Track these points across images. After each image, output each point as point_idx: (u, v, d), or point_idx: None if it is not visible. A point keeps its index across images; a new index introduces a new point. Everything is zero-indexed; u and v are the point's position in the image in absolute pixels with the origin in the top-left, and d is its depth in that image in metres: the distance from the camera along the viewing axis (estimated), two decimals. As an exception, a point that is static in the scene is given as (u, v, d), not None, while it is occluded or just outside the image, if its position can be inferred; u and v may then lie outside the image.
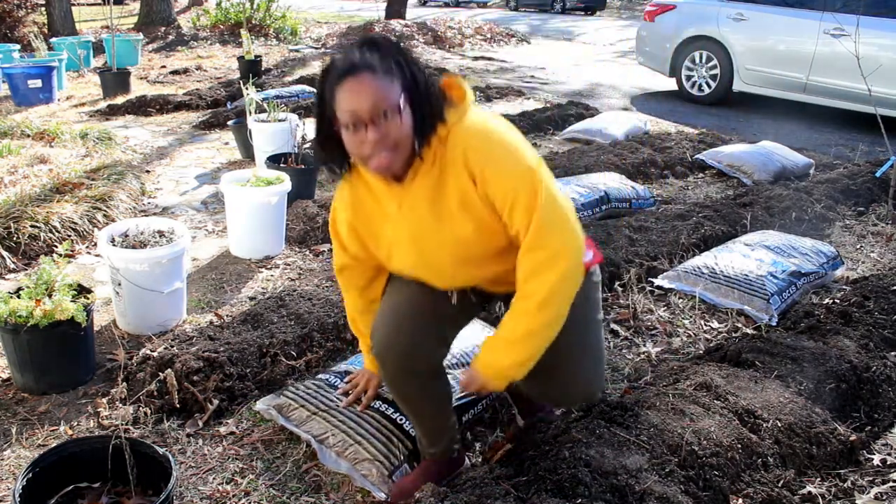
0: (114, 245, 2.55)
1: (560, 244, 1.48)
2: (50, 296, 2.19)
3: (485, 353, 1.60)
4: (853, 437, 2.03)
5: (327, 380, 2.14)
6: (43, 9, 10.77)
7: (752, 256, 3.12)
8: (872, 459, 2.00)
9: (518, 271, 1.52)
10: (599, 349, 1.76)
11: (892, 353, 2.47)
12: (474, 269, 1.61)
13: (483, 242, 1.54)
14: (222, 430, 2.08)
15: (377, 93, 1.37)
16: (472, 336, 2.28)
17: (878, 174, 4.52)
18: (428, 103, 1.45)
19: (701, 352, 2.58)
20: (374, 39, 1.45)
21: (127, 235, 2.64)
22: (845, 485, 1.89)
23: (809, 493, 1.84)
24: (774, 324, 2.76)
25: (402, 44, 1.49)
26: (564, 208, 1.51)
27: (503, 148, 1.47)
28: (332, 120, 1.44)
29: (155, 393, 2.14)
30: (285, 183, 3.29)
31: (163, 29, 11.71)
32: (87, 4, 16.63)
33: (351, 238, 1.70)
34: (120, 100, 6.54)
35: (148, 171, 4.61)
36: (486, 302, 1.85)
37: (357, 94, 1.37)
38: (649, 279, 3.12)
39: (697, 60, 7.56)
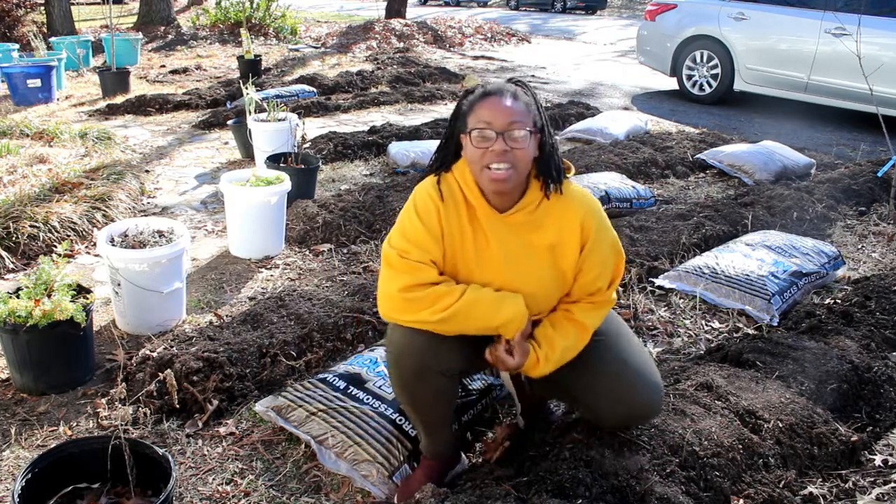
0: (113, 245, 2.54)
1: (613, 297, 1.80)
2: (49, 296, 2.18)
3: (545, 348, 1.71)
4: (854, 438, 2.02)
5: (326, 380, 2.13)
6: (42, 8, 10.76)
7: (753, 256, 3.11)
8: (874, 460, 1.99)
9: (577, 304, 1.75)
10: (655, 372, 1.83)
11: (894, 354, 2.46)
12: None
13: (542, 287, 1.71)
14: (222, 430, 2.08)
15: (514, 113, 1.58)
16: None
17: (879, 174, 4.52)
18: (554, 153, 1.66)
19: (702, 352, 2.58)
20: (522, 83, 1.67)
21: (126, 235, 2.63)
22: (847, 485, 1.89)
23: (811, 493, 1.83)
24: (776, 324, 2.75)
25: (538, 96, 1.69)
26: None
27: (606, 223, 1.75)
28: (459, 132, 1.65)
29: (154, 393, 2.13)
30: (285, 183, 3.29)
31: (162, 28, 11.70)
32: (87, 4, 16.62)
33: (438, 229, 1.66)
34: (119, 99, 6.53)
35: (147, 171, 4.60)
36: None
37: (496, 110, 1.58)
38: (650, 279, 3.12)
39: (698, 60, 7.55)
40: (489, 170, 1.58)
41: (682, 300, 2.98)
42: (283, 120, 4.36)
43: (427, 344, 1.64)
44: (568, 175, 1.72)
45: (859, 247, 3.71)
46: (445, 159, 1.72)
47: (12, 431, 2.03)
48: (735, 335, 2.71)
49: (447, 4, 25.76)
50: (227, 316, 2.72)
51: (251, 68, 7.77)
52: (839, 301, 2.92)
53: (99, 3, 16.65)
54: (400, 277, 1.63)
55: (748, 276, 2.95)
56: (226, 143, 5.32)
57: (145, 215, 3.77)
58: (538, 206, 1.68)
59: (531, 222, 1.68)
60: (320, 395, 2.06)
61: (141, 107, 6.28)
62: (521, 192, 1.68)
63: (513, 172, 1.58)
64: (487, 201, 1.67)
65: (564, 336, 1.71)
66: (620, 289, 3.00)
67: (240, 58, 8.22)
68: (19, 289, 2.24)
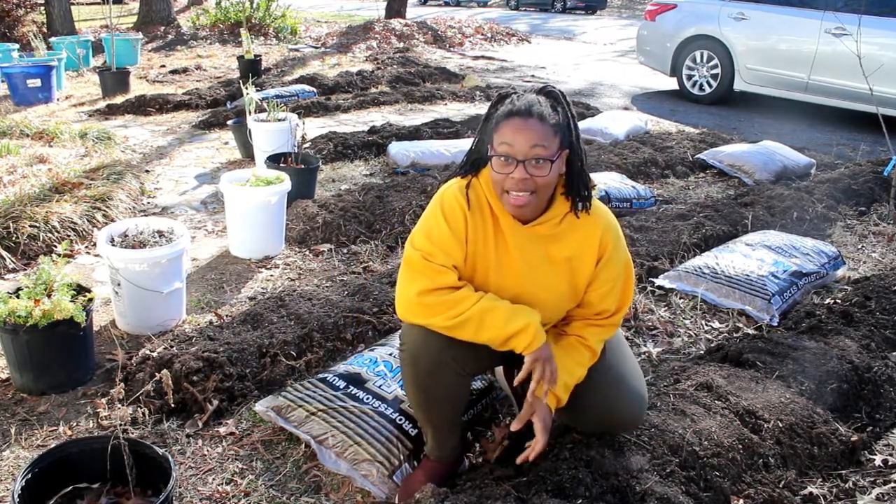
0: (113, 245, 2.54)
1: (620, 321, 1.83)
2: (49, 296, 2.18)
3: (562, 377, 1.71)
4: (854, 438, 2.02)
5: (326, 379, 2.13)
6: (42, 8, 10.76)
7: (753, 256, 3.11)
8: (874, 460, 1.99)
9: (588, 328, 1.78)
10: (641, 382, 1.87)
11: (894, 354, 2.46)
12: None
13: (555, 296, 1.72)
14: (222, 430, 2.08)
15: (538, 140, 1.53)
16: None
17: (885, 172, 4.51)
18: (582, 171, 1.64)
19: (702, 352, 2.58)
20: (555, 94, 1.62)
21: (126, 235, 2.63)
22: (847, 485, 1.89)
23: (811, 493, 1.83)
24: (776, 324, 2.75)
25: (572, 107, 1.64)
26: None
27: (623, 243, 1.78)
28: (487, 142, 1.62)
29: (154, 393, 2.13)
30: (285, 183, 3.29)
31: (162, 28, 11.70)
32: (87, 4, 16.60)
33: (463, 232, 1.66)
34: (119, 99, 6.53)
35: (147, 171, 4.60)
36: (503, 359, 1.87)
37: (520, 134, 1.53)
38: (650, 279, 3.12)
39: (698, 60, 7.55)
40: (508, 194, 1.59)
41: (682, 300, 2.98)
42: (283, 120, 4.36)
43: (444, 343, 1.64)
44: (593, 189, 1.70)
45: (859, 247, 3.71)
46: (475, 164, 1.71)
47: (12, 431, 2.03)
48: (735, 335, 2.71)
49: (447, 4, 25.75)
50: (227, 316, 2.72)
51: (251, 68, 7.77)
52: (839, 301, 2.92)
53: (99, 3, 16.63)
54: (419, 281, 1.63)
55: (748, 276, 2.95)
56: (226, 143, 5.32)
57: (145, 215, 3.77)
58: (562, 221, 1.68)
59: (553, 235, 1.69)
60: (320, 395, 2.06)
61: (141, 107, 6.28)
62: (546, 205, 1.68)
63: (533, 198, 1.58)
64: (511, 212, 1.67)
65: (581, 363, 1.74)
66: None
67: (240, 58, 8.21)
68: (19, 289, 2.24)
